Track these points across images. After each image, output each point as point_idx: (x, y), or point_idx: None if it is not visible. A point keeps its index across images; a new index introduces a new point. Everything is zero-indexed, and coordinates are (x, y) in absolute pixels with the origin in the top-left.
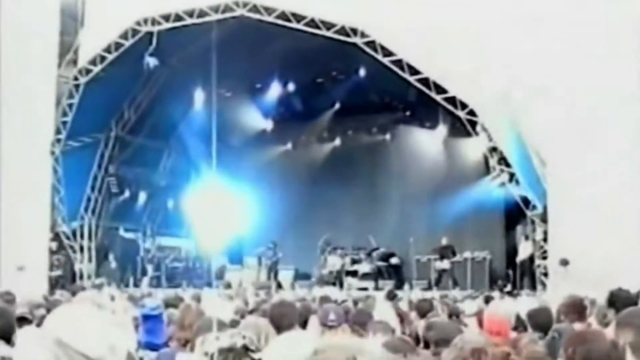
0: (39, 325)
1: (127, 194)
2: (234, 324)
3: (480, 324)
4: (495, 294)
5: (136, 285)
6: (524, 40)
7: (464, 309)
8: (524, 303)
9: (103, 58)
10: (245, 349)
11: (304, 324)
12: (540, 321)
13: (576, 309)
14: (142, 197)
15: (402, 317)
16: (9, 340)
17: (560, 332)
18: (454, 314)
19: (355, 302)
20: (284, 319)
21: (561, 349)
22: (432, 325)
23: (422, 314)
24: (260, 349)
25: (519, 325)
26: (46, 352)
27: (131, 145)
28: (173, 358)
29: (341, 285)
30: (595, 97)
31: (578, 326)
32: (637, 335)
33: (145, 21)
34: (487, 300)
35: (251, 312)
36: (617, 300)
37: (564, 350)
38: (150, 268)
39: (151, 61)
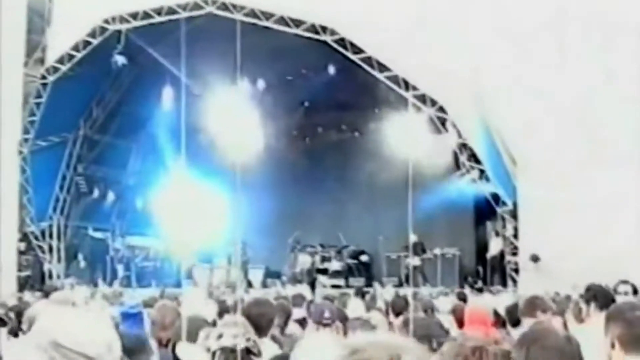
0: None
1: (96, 193)
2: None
3: (458, 321)
4: (466, 290)
5: (110, 284)
6: (493, 36)
7: (438, 305)
8: (501, 299)
9: (71, 56)
10: (248, 351)
11: (284, 323)
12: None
13: (538, 306)
14: (111, 196)
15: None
16: None
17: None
18: (429, 310)
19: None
20: (262, 318)
21: (514, 347)
22: (408, 322)
23: (397, 312)
24: (261, 352)
25: (497, 320)
26: (42, 355)
27: (100, 144)
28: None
29: (313, 284)
30: (565, 95)
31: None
32: (626, 329)
33: (114, 19)
34: (460, 296)
35: (227, 310)
36: (596, 295)
37: (518, 348)
38: (120, 268)
39: (120, 59)
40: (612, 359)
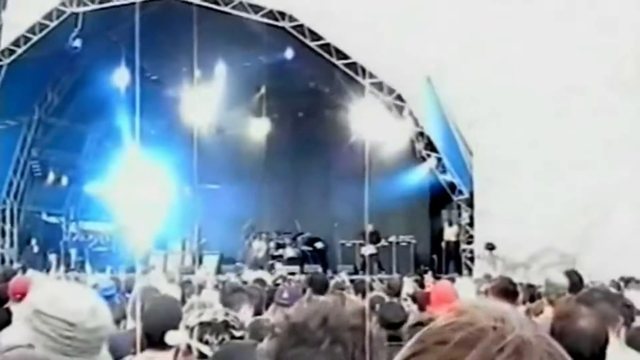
0: None
1: (50, 177)
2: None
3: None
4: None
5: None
6: (452, 24)
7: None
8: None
9: (27, 39)
10: (226, 324)
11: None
12: None
13: (507, 291)
14: (66, 181)
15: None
16: None
17: None
18: (395, 294)
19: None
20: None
21: None
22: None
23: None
24: (244, 327)
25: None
26: (25, 324)
27: (55, 129)
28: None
29: (269, 269)
30: (522, 86)
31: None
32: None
33: (71, 2)
34: (418, 282)
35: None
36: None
37: None
38: (73, 252)
39: (76, 43)
40: None
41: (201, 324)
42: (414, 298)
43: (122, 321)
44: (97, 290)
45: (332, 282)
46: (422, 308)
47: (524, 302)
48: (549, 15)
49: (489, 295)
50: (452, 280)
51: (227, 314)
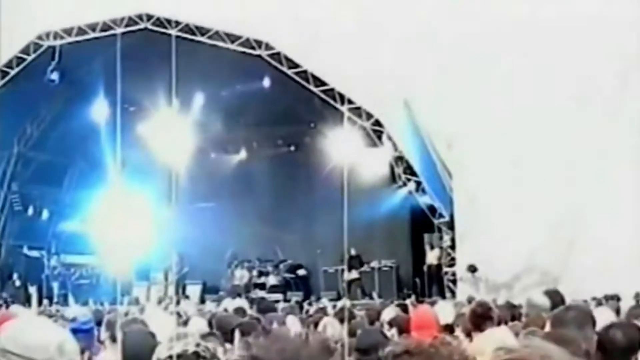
0: None
1: (30, 211)
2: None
3: (399, 330)
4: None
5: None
6: (429, 45)
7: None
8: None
9: (4, 73)
10: (197, 355)
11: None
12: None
13: (485, 314)
14: (47, 214)
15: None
16: None
17: None
18: (375, 320)
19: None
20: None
21: None
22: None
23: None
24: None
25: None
26: None
27: (35, 162)
28: None
29: (248, 299)
30: (498, 107)
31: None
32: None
33: (48, 35)
34: (401, 307)
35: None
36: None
37: None
38: (55, 286)
39: (54, 76)
40: None
41: (170, 357)
42: (394, 323)
43: (85, 352)
44: (75, 323)
45: (313, 309)
46: (401, 332)
47: (505, 322)
48: (530, 33)
49: (467, 319)
50: (434, 303)
51: (198, 345)
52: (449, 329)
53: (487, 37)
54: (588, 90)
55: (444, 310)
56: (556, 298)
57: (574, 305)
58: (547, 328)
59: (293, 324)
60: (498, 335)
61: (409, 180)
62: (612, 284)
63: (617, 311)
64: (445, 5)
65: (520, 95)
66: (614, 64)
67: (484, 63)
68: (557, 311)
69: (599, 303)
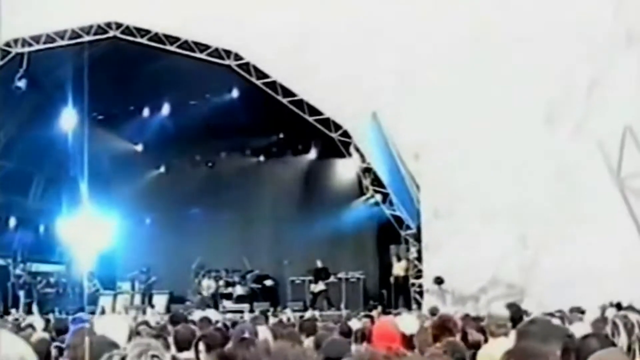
0: None
1: None
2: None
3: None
4: (373, 313)
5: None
6: (395, 61)
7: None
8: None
9: None
10: None
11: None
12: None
13: (447, 327)
14: (13, 222)
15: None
16: None
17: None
18: (344, 333)
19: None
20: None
21: None
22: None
23: (308, 333)
24: None
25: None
26: None
27: (1, 170)
28: None
29: (216, 308)
30: (466, 119)
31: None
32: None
33: (16, 42)
34: (368, 317)
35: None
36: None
37: None
38: (21, 294)
39: (22, 83)
40: None
41: None
42: (361, 335)
43: None
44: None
45: (276, 320)
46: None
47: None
48: (498, 44)
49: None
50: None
51: (153, 356)
52: (412, 340)
53: (455, 49)
54: (559, 101)
55: (406, 322)
56: (516, 311)
57: (539, 319)
58: (512, 341)
59: (264, 334)
60: (506, 344)
61: (376, 191)
62: (578, 297)
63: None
64: (415, 16)
65: (489, 107)
66: (584, 75)
67: (453, 75)
68: (522, 324)
69: (562, 317)
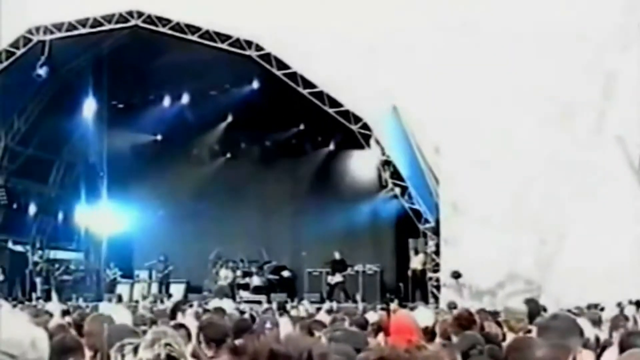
0: None
1: (16, 205)
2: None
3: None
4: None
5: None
6: (417, 50)
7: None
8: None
9: None
10: (168, 357)
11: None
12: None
13: (467, 322)
14: (32, 209)
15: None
16: None
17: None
18: (361, 325)
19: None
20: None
21: None
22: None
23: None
24: (183, 354)
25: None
26: None
27: (21, 157)
28: None
29: (233, 298)
30: (487, 114)
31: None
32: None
33: (38, 30)
34: (385, 310)
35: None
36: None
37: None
38: (38, 281)
39: (43, 71)
40: None
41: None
42: (377, 327)
43: None
44: None
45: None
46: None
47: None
48: (516, 43)
49: (449, 324)
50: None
51: (167, 345)
52: (430, 333)
53: (476, 47)
54: (573, 99)
55: (423, 316)
56: (534, 307)
57: (560, 314)
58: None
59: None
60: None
61: (395, 185)
62: (596, 293)
63: (599, 320)
64: (435, 14)
65: (509, 102)
66: (596, 76)
67: (473, 71)
68: (544, 319)
69: (579, 313)
